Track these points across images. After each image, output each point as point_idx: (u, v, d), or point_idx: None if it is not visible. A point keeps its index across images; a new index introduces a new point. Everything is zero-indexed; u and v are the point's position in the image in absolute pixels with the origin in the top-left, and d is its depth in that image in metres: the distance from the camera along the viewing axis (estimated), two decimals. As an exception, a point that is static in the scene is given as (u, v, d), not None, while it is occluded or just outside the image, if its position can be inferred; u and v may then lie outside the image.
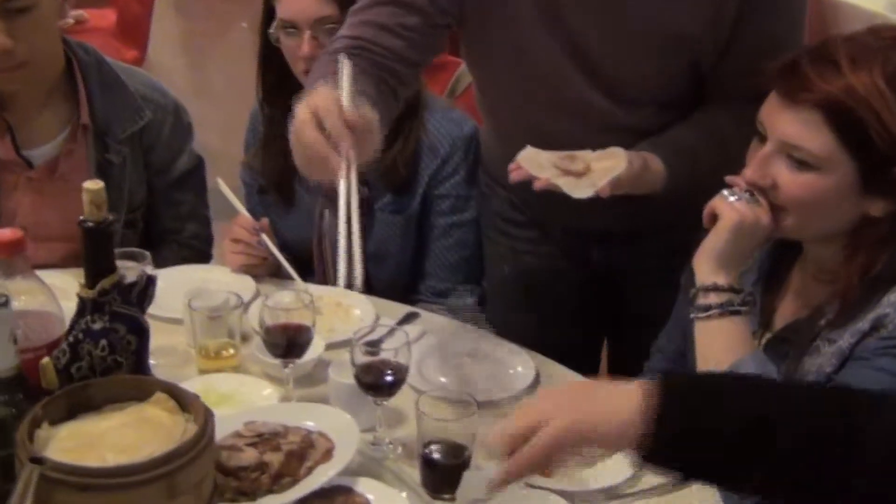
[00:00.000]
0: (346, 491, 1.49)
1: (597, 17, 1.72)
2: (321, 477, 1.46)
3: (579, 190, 1.60)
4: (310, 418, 1.57)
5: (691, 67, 1.76)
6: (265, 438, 1.48)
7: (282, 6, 2.08)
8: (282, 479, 1.45)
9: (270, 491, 1.44)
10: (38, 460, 1.10)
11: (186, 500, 1.17)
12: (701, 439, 1.14)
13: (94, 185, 1.37)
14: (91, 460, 1.15)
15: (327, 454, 1.50)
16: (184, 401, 1.26)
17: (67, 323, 1.45)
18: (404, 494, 1.50)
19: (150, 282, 1.46)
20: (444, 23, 1.81)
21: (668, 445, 1.14)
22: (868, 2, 3.68)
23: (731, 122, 1.76)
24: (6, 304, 1.27)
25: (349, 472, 1.50)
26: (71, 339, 1.39)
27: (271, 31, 2.12)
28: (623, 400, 1.16)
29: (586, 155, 1.64)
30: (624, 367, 1.98)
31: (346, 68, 1.51)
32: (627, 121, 1.77)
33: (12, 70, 2.07)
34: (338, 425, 1.54)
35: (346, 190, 1.41)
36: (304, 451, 1.48)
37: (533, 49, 1.77)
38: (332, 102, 1.44)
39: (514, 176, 1.64)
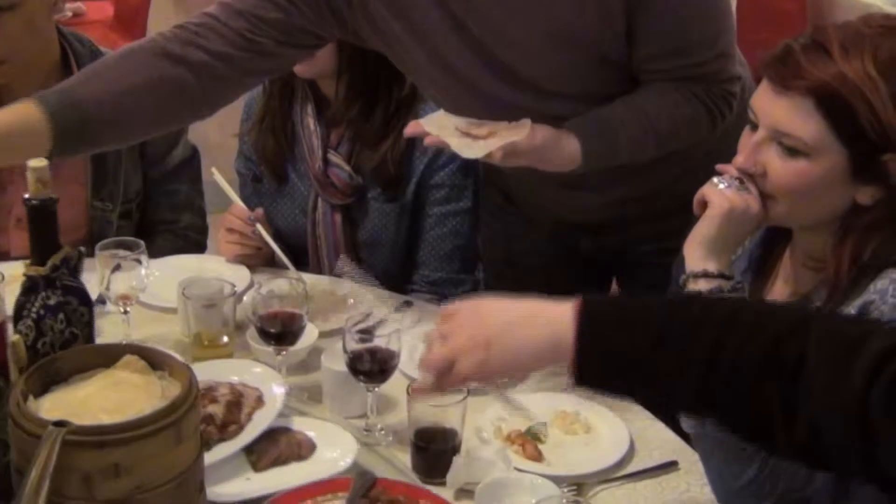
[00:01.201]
0: (286, 430, 1.57)
1: (494, 17, 1.71)
2: (265, 419, 1.55)
3: (470, 151, 1.60)
4: (232, 373, 1.64)
5: (601, 61, 1.74)
6: (200, 393, 1.51)
7: None
8: (228, 427, 1.52)
9: (222, 439, 1.50)
10: (61, 423, 1.13)
11: (189, 446, 1.22)
12: (625, 356, 1.15)
13: (38, 163, 1.42)
14: (87, 423, 1.17)
15: (259, 400, 1.58)
16: (154, 360, 1.29)
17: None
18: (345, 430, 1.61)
19: (81, 255, 1.50)
20: (308, 28, 1.79)
21: (595, 367, 1.16)
22: (866, -7, 3.69)
23: (652, 100, 1.75)
24: None
25: (283, 414, 1.60)
26: (35, 315, 1.42)
27: None
28: (549, 328, 1.18)
29: (497, 124, 1.64)
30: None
31: None
32: (555, 112, 1.74)
33: None
34: (256, 374, 1.64)
35: None
36: (238, 400, 1.56)
37: (445, 55, 1.76)
38: None
39: (408, 131, 1.68)
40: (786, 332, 1.13)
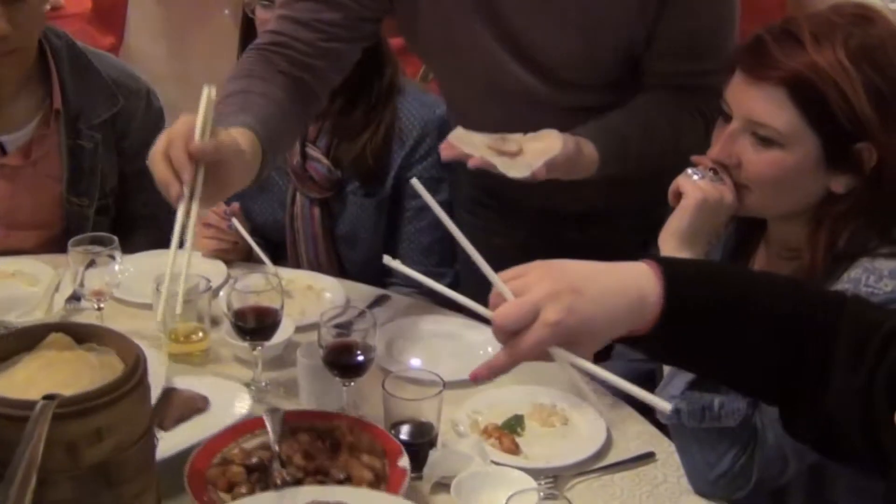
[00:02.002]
0: (173, 391, 1.62)
1: (525, 3, 1.72)
2: (157, 382, 1.58)
3: (515, 170, 1.59)
4: None
5: (626, 53, 1.76)
6: None
7: None
8: None
9: None
10: (50, 397, 1.13)
11: (149, 405, 1.26)
12: (706, 313, 1.12)
13: None
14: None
15: None
16: (78, 334, 1.29)
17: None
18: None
19: None
20: (371, 16, 1.81)
21: (681, 317, 1.11)
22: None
23: (659, 111, 1.78)
24: None
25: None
26: None
27: (246, 1, 2.12)
28: (631, 280, 1.11)
29: (519, 136, 1.63)
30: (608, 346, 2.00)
31: (205, 97, 1.49)
32: (569, 102, 1.77)
33: (3, 56, 2.08)
34: None
35: (182, 217, 1.42)
36: None
37: (466, 39, 1.78)
38: (182, 133, 1.45)
39: (445, 154, 1.64)
40: (834, 305, 1.14)
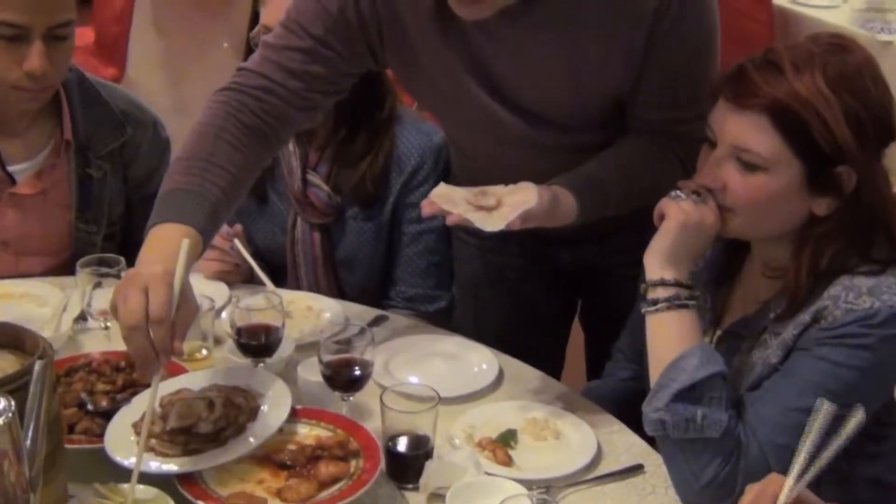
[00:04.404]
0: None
1: (514, 64, 1.78)
2: None
3: (491, 224, 1.63)
4: None
5: (614, 100, 1.82)
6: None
7: (266, 12, 2.14)
8: None
9: None
10: (41, 356, 1.24)
11: None
12: None
13: None
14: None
15: None
16: None
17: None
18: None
19: None
20: (353, 72, 1.87)
21: None
22: (832, 16, 3.78)
23: (638, 156, 1.82)
24: None
25: None
26: None
27: (252, 34, 2.18)
28: None
29: (498, 190, 1.67)
30: (600, 365, 2.05)
31: (183, 250, 1.56)
32: (561, 142, 1.83)
33: (38, 93, 2.11)
34: None
35: (153, 392, 1.52)
36: None
37: (459, 94, 1.83)
38: (167, 313, 1.50)
39: (426, 211, 1.68)
40: None
